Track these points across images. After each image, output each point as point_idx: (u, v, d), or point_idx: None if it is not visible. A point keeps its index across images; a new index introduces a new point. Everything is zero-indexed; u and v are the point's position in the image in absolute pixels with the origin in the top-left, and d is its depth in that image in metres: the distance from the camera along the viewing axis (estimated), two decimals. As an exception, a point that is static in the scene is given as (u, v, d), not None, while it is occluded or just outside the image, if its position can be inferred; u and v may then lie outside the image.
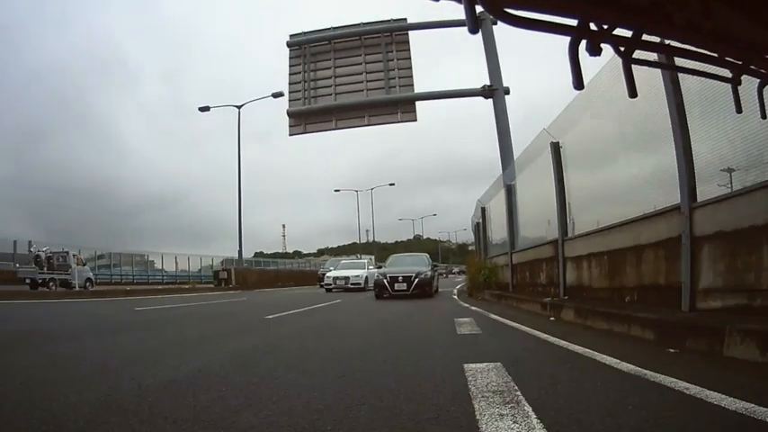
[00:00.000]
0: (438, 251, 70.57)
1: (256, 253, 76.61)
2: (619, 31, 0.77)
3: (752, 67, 0.87)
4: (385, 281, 11.58)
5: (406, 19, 13.92)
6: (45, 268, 17.29)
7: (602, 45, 0.75)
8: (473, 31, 0.77)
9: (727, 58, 0.85)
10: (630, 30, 0.77)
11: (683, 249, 4.11)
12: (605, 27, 0.76)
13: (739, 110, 0.98)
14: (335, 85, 13.68)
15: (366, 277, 16.59)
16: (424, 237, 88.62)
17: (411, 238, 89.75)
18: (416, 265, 12.41)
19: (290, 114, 14.03)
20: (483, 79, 14.42)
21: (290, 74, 14.11)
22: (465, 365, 2.74)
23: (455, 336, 4.38)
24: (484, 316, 6.44)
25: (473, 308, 7.95)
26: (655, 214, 4.63)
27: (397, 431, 1.69)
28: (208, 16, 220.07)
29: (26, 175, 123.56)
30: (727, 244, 3.76)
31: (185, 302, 11.48)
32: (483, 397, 2.04)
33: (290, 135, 14.27)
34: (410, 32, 13.55)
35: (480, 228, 14.44)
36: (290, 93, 14.11)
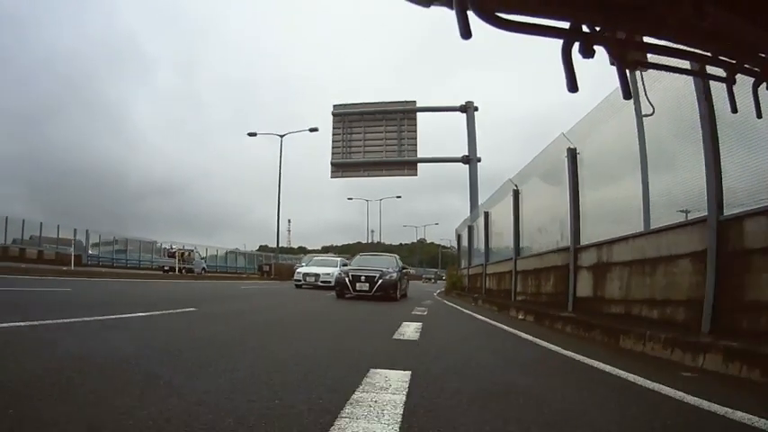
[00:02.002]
0: (439, 256, 76.10)
1: (261, 246, 69.17)
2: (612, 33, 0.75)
3: (746, 66, 0.86)
4: (347, 279, 11.04)
5: (415, 102, 20.03)
6: (179, 261, 23.81)
7: (595, 47, 0.74)
8: (465, 36, 0.69)
9: (721, 58, 0.83)
10: (623, 31, 0.76)
11: (513, 277, 9.94)
12: (598, 29, 0.75)
13: (734, 110, 0.95)
14: (364, 145, 19.69)
15: (336, 276, 15.50)
16: (428, 241, 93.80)
17: (415, 241, 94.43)
18: (383, 265, 11.67)
19: (332, 164, 20.17)
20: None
21: (332, 134, 20.18)
22: (415, 307, 8.63)
23: (418, 305, 10.23)
24: (440, 301, 12.33)
25: (438, 298, 13.85)
26: (504, 260, 10.47)
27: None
28: (223, 9, 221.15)
29: (35, 157, 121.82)
30: (524, 276, 9.58)
31: (260, 286, 17.37)
32: (414, 312, 7.88)
33: (332, 178, 20.51)
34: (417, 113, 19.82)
35: (464, 243, 20.36)
36: (332, 148, 20.14)
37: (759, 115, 0.88)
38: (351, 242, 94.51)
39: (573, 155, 7.10)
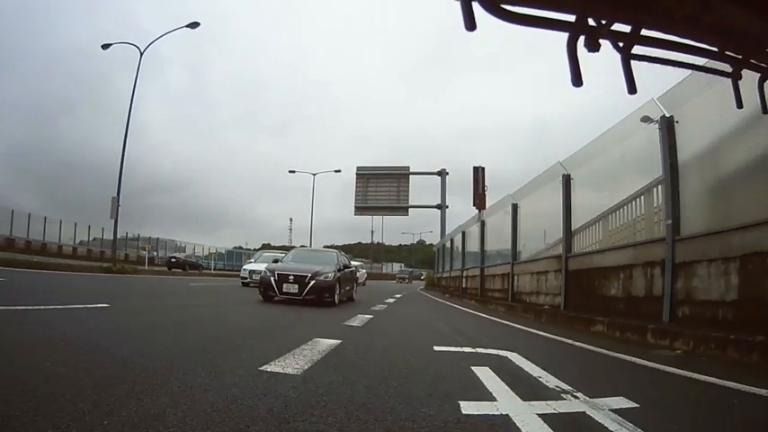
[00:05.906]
0: (434, 258, 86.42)
1: (263, 245, 74.81)
2: (617, 27, 0.74)
3: (752, 61, 0.84)
4: (272, 279, 8.84)
5: (408, 167, 30.81)
6: None
7: (601, 41, 0.73)
8: (470, 28, 0.67)
9: (727, 53, 0.82)
10: (629, 25, 0.74)
11: (449, 279, 20.82)
12: (603, 22, 0.73)
13: (740, 105, 0.93)
14: (376, 193, 30.52)
15: (261, 274, 12.40)
16: (427, 243, 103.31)
17: (415, 243, 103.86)
18: (318, 263, 9.57)
19: (356, 206, 30.93)
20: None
21: (356, 186, 30.92)
22: (396, 294, 19.52)
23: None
24: (418, 292, 23.19)
25: (419, 290, 24.74)
26: (447, 270, 21.30)
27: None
28: (231, 10, 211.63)
29: (44, 150, 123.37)
30: (452, 279, 20.49)
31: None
32: (394, 295, 18.63)
33: (354, 215, 31.29)
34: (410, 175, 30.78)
35: (436, 257, 31.30)
36: (355, 195, 30.91)
37: (765, 111, 0.87)
38: (352, 242, 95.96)
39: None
